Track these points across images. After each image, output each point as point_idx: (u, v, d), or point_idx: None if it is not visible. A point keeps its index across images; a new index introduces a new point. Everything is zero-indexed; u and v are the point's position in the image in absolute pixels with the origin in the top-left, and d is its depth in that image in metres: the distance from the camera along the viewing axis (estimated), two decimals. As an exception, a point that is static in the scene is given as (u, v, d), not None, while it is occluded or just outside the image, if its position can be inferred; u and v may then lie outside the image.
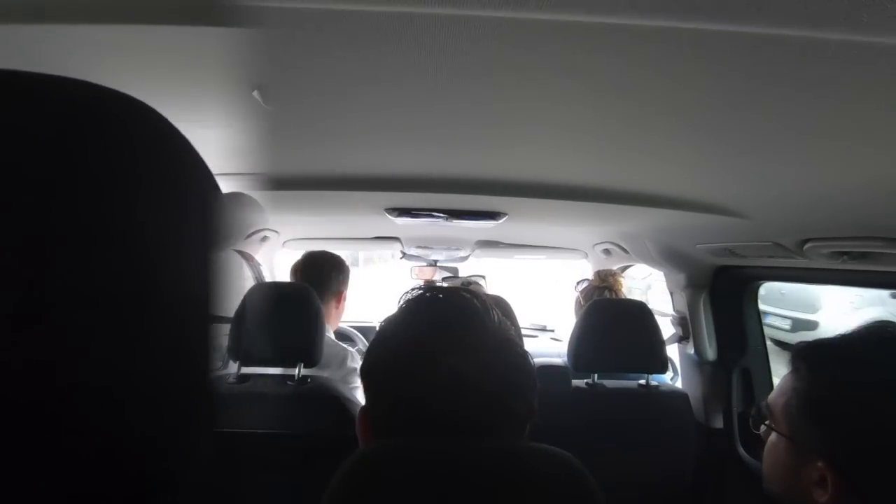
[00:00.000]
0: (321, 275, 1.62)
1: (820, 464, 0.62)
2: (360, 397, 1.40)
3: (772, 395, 0.72)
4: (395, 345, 0.53)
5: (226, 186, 1.04)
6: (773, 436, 0.70)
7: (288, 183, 0.97)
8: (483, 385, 0.49)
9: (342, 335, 2.17)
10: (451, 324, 0.52)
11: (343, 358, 1.54)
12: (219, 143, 0.75)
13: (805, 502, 0.64)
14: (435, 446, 0.48)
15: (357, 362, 1.56)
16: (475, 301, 0.54)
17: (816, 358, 0.67)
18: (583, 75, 0.47)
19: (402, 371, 0.51)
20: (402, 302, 0.57)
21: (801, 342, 0.70)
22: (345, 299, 1.73)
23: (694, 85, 0.47)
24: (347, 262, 1.76)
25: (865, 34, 0.36)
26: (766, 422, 0.71)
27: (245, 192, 1.07)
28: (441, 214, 1.25)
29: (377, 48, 0.43)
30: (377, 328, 0.57)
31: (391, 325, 0.55)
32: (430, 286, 0.59)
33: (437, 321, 0.53)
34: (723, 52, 0.41)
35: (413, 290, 0.57)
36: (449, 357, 0.49)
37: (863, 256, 0.97)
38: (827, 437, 0.62)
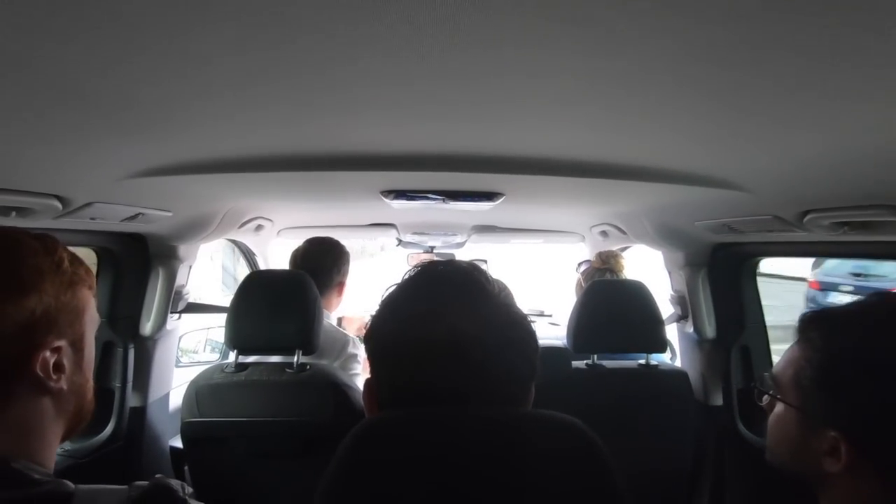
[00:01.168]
0: (322, 265, 1.61)
1: (833, 433, 0.61)
2: (360, 383, 1.40)
3: (778, 366, 0.71)
4: (397, 312, 0.54)
5: (217, 178, 1.02)
6: (779, 407, 0.69)
7: (278, 164, 0.95)
8: (484, 339, 0.50)
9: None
10: (452, 290, 0.53)
11: (344, 344, 1.53)
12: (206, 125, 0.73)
13: (814, 472, 0.64)
14: (437, 416, 0.47)
15: (357, 348, 1.56)
16: (475, 271, 0.56)
17: (831, 327, 0.65)
18: (580, 42, 0.46)
19: (405, 336, 0.52)
20: (405, 275, 0.58)
21: (808, 311, 0.70)
22: (345, 286, 1.72)
23: (692, 51, 0.46)
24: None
25: None
26: (771, 392, 0.70)
27: (233, 178, 1.05)
28: (438, 196, 1.23)
29: (367, 19, 0.42)
30: (381, 298, 0.57)
31: (394, 294, 0.56)
32: (432, 261, 0.61)
33: (439, 288, 0.54)
34: (722, 11, 0.39)
35: (417, 265, 0.59)
36: (449, 318, 0.50)
37: (863, 227, 0.96)
38: (843, 406, 0.61)
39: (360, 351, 1.58)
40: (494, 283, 0.55)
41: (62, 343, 0.58)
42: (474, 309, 0.51)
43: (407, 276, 0.57)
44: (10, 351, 0.54)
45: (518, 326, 0.53)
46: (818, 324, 0.67)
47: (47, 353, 0.56)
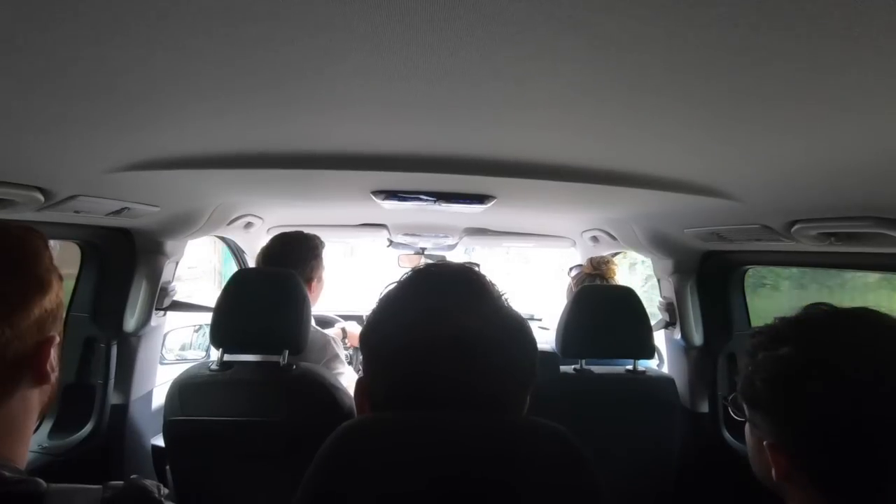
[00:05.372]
0: (287, 263, 1.50)
1: (765, 443, 0.64)
2: (344, 383, 1.39)
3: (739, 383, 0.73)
4: (399, 311, 0.53)
5: (206, 174, 1.01)
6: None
7: (268, 161, 0.94)
8: (483, 345, 0.49)
9: (323, 321, 2.14)
10: (456, 289, 0.53)
11: (325, 344, 1.51)
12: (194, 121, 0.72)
13: (771, 482, 0.66)
14: (425, 420, 0.47)
15: (339, 347, 1.54)
16: (476, 273, 0.55)
17: (755, 343, 0.69)
18: (572, 49, 0.46)
19: (408, 334, 0.51)
20: (404, 275, 0.57)
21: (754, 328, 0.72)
22: (321, 280, 1.63)
23: (683, 59, 0.46)
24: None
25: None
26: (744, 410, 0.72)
27: (223, 174, 1.04)
28: (429, 197, 1.23)
29: (359, 17, 0.41)
30: (379, 298, 0.56)
31: (393, 292, 0.55)
32: (433, 262, 0.60)
33: (442, 288, 0.53)
34: (713, 21, 0.39)
35: (417, 266, 0.58)
36: (449, 321, 0.49)
37: (850, 238, 0.97)
38: (765, 418, 0.65)
39: (341, 350, 1.56)
40: (494, 286, 0.55)
41: (57, 336, 0.59)
42: (478, 309, 0.51)
43: (406, 276, 0.56)
44: (29, 348, 0.55)
45: (519, 327, 0.53)
46: (751, 339, 0.70)
47: (52, 348, 0.57)
